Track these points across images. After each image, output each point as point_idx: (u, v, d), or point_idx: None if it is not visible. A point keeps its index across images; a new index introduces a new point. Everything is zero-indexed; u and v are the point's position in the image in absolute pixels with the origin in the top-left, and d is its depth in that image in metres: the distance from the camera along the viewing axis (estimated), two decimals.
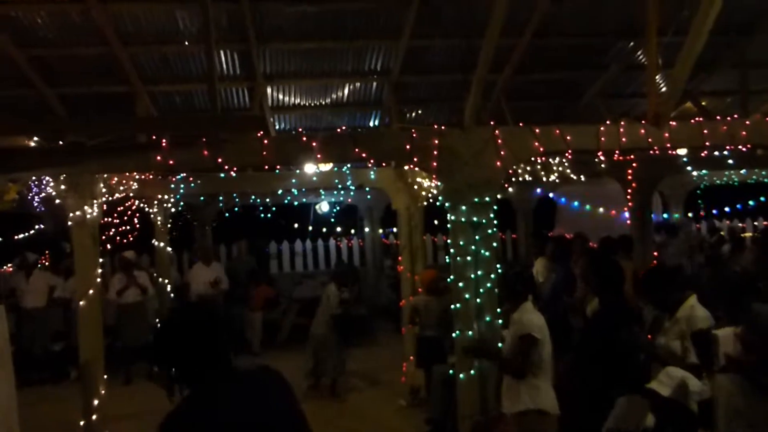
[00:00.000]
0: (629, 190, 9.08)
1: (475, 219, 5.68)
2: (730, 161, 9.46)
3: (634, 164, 8.85)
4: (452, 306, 5.76)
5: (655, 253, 9.27)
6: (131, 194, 8.78)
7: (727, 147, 6.65)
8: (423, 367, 7.80)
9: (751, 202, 12.59)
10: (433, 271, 8.13)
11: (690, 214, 14.08)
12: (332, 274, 10.39)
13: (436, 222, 12.37)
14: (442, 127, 6.13)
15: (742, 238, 11.97)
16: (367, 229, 15.06)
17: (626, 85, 9.37)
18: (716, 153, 8.10)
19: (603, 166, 8.90)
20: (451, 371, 6.09)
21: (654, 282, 5.06)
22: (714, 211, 14.14)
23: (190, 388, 2.47)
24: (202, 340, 2.51)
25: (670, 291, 4.96)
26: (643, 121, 6.26)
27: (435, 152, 5.72)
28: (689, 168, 10.03)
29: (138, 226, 10.98)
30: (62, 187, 6.83)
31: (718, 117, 6.94)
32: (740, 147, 6.55)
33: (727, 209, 14.51)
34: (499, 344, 5.44)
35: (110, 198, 7.89)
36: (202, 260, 11.09)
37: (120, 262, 10.15)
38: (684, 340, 4.71)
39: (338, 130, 8.35)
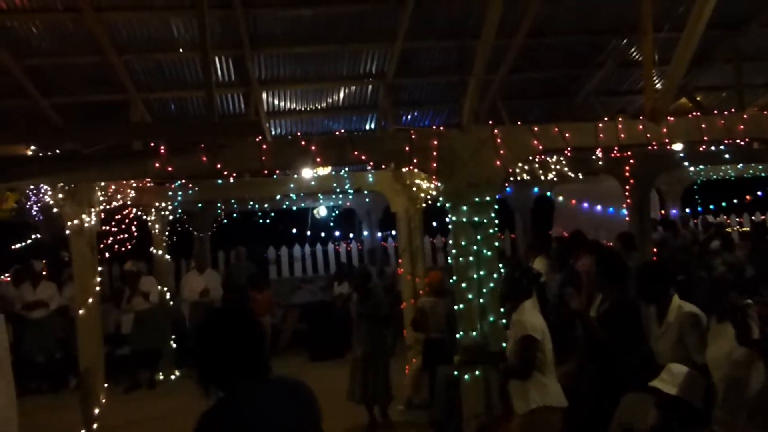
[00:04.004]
0: (627, 187, 9.10)
1: (476, 219, 5.68)
2: (727, 156, 9.50)
3: (631, 161, 8.87)
4: (455, 306, 5.75)
5: (654, 250, 9.27)
6: (129, 202, 8.75)
7: (725, 141, 6.66)
8: (429, 369, 7.77)
9: (747, 197, 12.60)
10: (439, 273, 8.11)
11: (687, 210, 14.10)
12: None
13: (434, 224, 12.38)
14: (441, 128, 6.13)
15: (729, 234, 11.90)
16: (366, 233, 15.04)
17: (620, 82, 9.39)
18: (713, 148, 8.15)
19: (600, 163, 8.91)
20: (455, 372, 6.07)
21: (649, 279, 5.00)
22: (711, 207, 14.15)
23: (224, 390, 2.47)
24: (242, 343, 2.50)
25: (665, 288, 4.91)
26: (640, 117, 6.27)
27: (434, 153, 5.71)
28: (686, 163, 10.05)
29: (136, 234, 10.93)
30: (60, 195, 6.82)
31: (716, 112, 6.96)
32: (738, 141, 6.57)
33: (723, 204, 14.53)
34: (503, 344, 5.41)
35: (108, 206, 7.86)
36: (196, 268, 11.07)
37: (125, 276, 10.18)
38: (684, 342, 4.66)
39: (336, 133, 8.34)
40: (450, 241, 5.93)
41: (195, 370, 2.55)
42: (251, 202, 12.86)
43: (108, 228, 9.77)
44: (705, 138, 6.38)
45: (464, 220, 5.70)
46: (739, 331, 3.76)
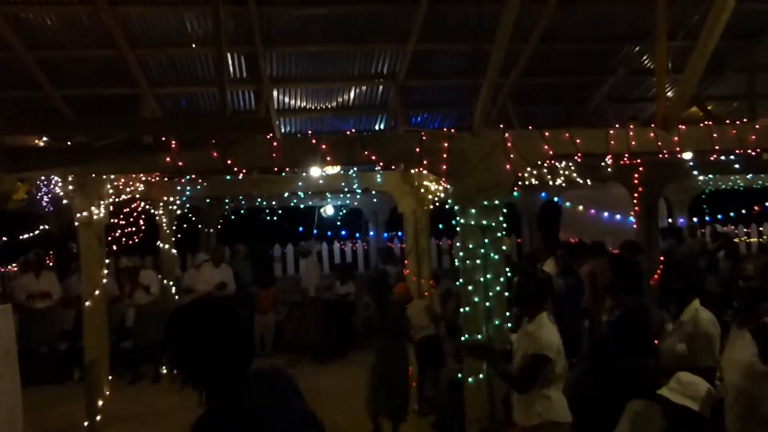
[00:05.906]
0: (635, 195, 9.07)
1: (484, 222, 5.68)
2: (737, 166, 9.45)
3: (640, 168, 8.84)
4: (461, 309, 5.74)
5: (662, 258, 9.23)
6: (137, 196, 8.76)
7: (736, 151, 6.63)
8: (421, 368, 7.80)
9: (756, 207, 12.54)
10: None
11: (695, 219, 14.05)
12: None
13: (441, 226, 12.37)
14: (451, 131, 6.13)
15: (735, 245, 11.81)
16: (371, 233, 15.04)
17: (632, 89, 9.37)
18: (723, 157, 8.12)
19: (609, 170, 8.88)
20: (459, 374, 6.06)
21: (673, 281, 4.94)
22: (719, 216, 14.08)
23: (210, 391, 2.31)
24: (229, 340, 2.34)
25: (687, 291, 4.87)
26: (651, 125, 6.26)
27: (445, 155, 5.71)
28: (696, 172, 10.01)
29: (143, 227, 10.96)
30: (70, 187, 6.83)
31: (728, 121, 6.93)
32: (749, 151, 6.54)
33: (732, 214, 14.46)
34: (508, 346, 5.37)
35: (117, 199, 7.88)
36: (212, 261, 11.07)
37: (123, 273, 10.20)
38: (693, 343, 4.65)
39: (347, 132, 8.35)
40: (457, 244, 5.92)
41: (179, 371, 2.37)
42: (259, 199, 12.88)
43: (116, 221, 9.80)
44: (716, 147, 6.34)
45: (472, 223, 5.69)
46: (763, 349, 3.77)
